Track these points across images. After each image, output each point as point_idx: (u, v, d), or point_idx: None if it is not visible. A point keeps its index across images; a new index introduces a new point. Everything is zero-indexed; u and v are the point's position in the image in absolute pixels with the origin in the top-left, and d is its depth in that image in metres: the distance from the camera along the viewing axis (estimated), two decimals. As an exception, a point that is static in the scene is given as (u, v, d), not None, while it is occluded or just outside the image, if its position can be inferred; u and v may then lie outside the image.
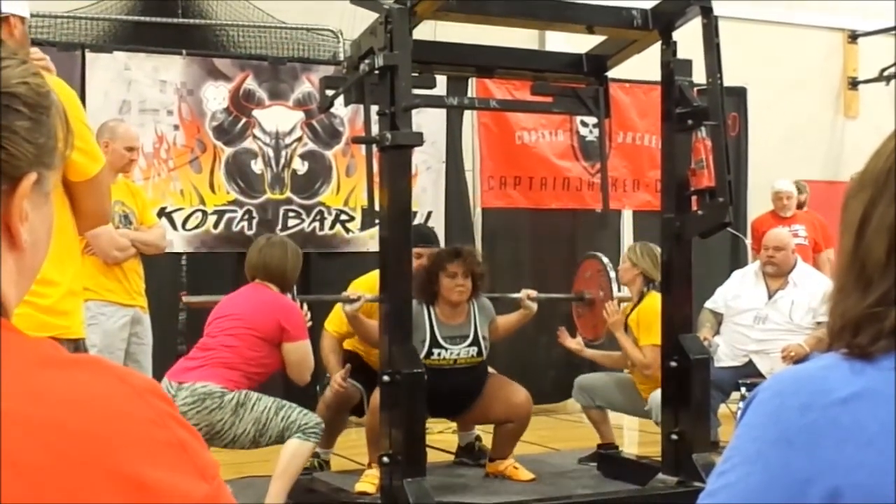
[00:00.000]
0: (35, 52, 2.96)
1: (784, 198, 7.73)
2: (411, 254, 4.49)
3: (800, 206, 8.10)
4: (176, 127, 6.67)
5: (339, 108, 5.93)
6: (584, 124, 7.61)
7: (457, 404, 5.06)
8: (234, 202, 6.82)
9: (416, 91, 4.40)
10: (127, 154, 4.90)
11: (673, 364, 4.66)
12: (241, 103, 6.84)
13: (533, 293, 5.24)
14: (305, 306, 4.74)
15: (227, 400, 4.27)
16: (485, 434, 5.48)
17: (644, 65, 5.27)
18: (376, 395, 4.46)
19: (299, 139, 6.99)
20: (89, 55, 6.45)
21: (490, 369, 5.21)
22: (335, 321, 5.18)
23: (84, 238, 3.76)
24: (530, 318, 5.29)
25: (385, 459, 4.18)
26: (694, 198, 4.65)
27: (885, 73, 8.93)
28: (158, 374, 4.69)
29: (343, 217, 7.09)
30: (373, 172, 4.52)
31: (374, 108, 4.40)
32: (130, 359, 4.81)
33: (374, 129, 4.44)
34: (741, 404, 4.76)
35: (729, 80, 4.66)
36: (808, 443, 0.92)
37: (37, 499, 0.75)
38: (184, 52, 6.71)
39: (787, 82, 8.73)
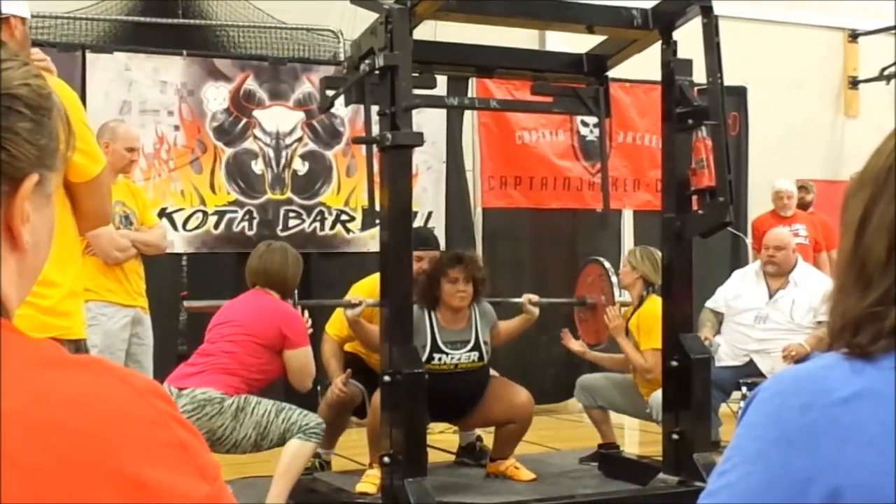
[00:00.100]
0: (36, 52, 2.97)
1: (784, 197, 7.73)
2: (412, 254, 4.49)
3: (807, 205, 8.10)
4: (176, 127, 6.67)
5: (340, 108, 5.93)
6: (585, 124, 7.61)
7: (458, 408, 5.05)
8: (235, 203, 6.82)
9: (417, 91, 4.40)
10: (127, 155, 4.90)
11: (674, 364, 4.65)
12: (242, 104, 6.84)
13: (534, 298, 5.23)
14: (307, 312, 4.73)
15: (227, 405, 4.26)
16: (486, 434, 5.48)
17: (644, 64, 5.27)
18: (377, 395, 4.46)
19: (300, 139, 6.99)
20: (90, 56, 6.45)
21: (492, 372, 5.21)
22: (336, 324, 5.18)
23: (85, 239, 3.77)
24: (532, 323, 5.29)
25: (386, 459, 4.18)
26: (694, 197, 4.65)
27: (886, 73, 8.94)
28: (159, 374, 4.69)
29: (343, 217, 7.09)
30: (373, 172, 4.52)
31: (375, 109, 4.39)
32: (131, 359, 4.81)
33: (375, 130, 4.44)
34: (742, 404, 4.76)
35: (729, 80, 4.66)
36: (808, 442, 0.92)
37: (37, 499, 0.75)
38: (184, 52, 6.71)
39: (787, 82, 8.73)
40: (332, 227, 7.06)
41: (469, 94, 6.97)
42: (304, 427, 4.31)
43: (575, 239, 7.75)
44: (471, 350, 4.96)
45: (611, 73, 5.21)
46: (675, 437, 4.63)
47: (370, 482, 4.68)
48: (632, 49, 4.97)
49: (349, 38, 6.15)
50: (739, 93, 8.05)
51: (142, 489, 0.78)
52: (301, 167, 6.99)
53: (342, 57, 6.61)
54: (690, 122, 4.58)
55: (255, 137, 6.87)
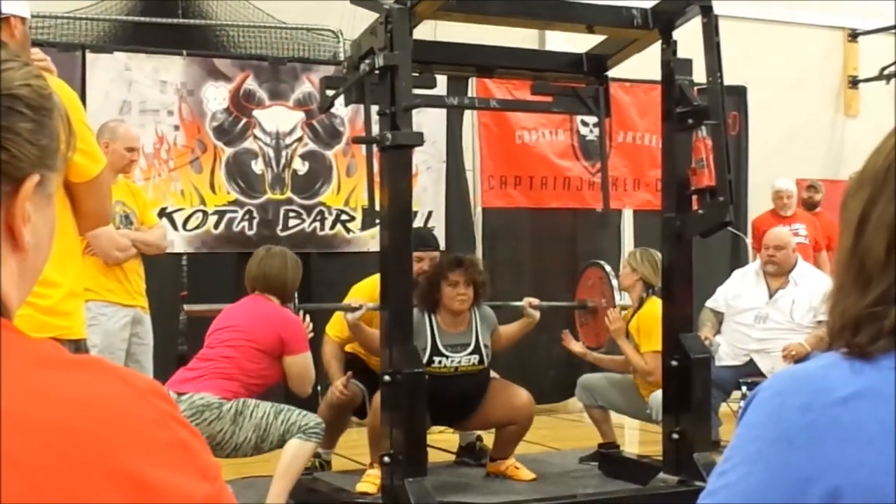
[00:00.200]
0: (36, 52, 2.96)
1: (784, 197, 7.73)
2: (412, 254, 4.49)
3: (815, 205, 8.09)
4: (176, 127, 6.67)
5: (340, 108, 5.93)
6: (585, 124, 7.60)
7: (458, 411, 5.05)
8: (235, 202, 6.82)
9: (417, 91, 4.40)
10: (127, 154, 4.90)
11: (674, 363, 4.65)
12: (242, 103, 6.83)
13: (535, 301, 5.23)
14: (307, 316, 4.73)
15: (226, 410, 4.26)
16: (486, 434, 5.48)
17: (644, 64, 5.27)
18: (378, 395, 4.46)
19: (300, 139, 6.99)
20: (90, 56, 6.45)
21: (492, 373, 5.21)
22: (336, 326, 5.18)
23: (85, 238, 3.77)
24: (533, 327, 5.29)
25: (386, 459, 4.18)
26: (694, 197, 4.65)
27: (886, 72, 8.93)
28: (159, 374, 4.69)
29: (344, 217, 7.09)
30: (373, 172, 4.52)
31: (375, 108, 4.39)
32: (131, 359, 4.81)
33: (375, 129, 4.44)
34: (742, 403, 4.76)
35: (729, 80, 4.66)
36: (808, 442, 0.92)
37: (37, 499, 0.75)
38: (184, 52, 6.71)
39: (787, 81, 8.73)
40: (332, 227, 7.06)
41: (469, 94, 6.96)
42: (303, 427, 4.30)
43: (575, 238, 7.75)
44: (471, 353, 4.95)
45: (611, 73, 5.21)
46: (675, 436, 4.63)
47: (370, 482, 4.69)
48: (632, 49, 4.98)
49: (349, 38, 6.15)
50: (739, 92, 8.05)
51: (143, 489, 0.78)
52: (301, 167, 6.99)
53: (342, 57, 6.61)
54: (690, 121, 4.58)
55: (255, 137, 6.87)
